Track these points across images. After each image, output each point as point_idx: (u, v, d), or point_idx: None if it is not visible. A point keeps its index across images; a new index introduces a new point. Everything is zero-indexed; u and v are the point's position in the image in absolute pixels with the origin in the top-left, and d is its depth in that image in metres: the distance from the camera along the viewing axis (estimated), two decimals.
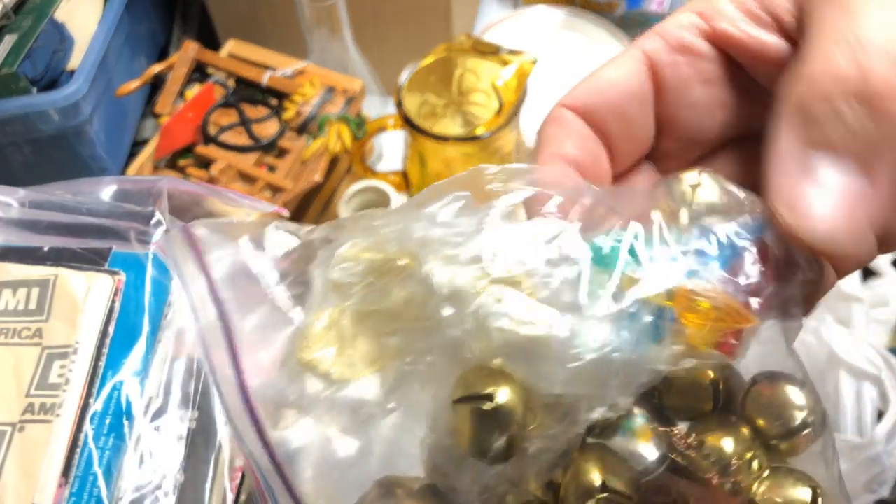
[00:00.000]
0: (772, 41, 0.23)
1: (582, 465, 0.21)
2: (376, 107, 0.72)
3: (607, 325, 0.19)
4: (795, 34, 0.22)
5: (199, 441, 0.33)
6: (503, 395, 0.20)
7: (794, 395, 0.21)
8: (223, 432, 0.34)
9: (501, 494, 0.21)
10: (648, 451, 0.21)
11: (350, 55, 0.69)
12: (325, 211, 0.69)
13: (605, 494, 0.20)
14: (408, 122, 0.59)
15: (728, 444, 0.20)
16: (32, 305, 0.33)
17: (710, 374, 0.21)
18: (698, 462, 0.21)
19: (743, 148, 0.26)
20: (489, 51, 0.61)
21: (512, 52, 0.61)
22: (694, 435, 0.21)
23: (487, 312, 0.20)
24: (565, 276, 0.20)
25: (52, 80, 0.62)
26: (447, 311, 0.20)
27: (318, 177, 0.62)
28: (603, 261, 0.20)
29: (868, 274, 0.61)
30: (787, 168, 0.20)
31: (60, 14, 0.65)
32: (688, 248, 0.20)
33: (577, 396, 0.20)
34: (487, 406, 0.20)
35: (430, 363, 0.21)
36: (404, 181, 0.66)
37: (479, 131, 0.58)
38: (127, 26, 0.70)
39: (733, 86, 0.25)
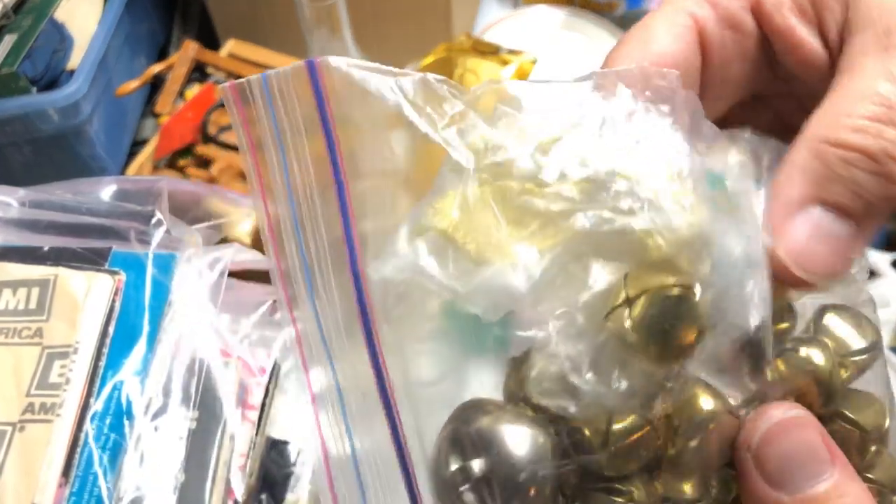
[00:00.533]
0: (808, 41, 0.23)
1: (691, 391, 0.21)
2: None
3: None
4: (834, 45, 0.23)
5: (200, 441, 0.33)
6: (696, 287, 0.20)
7: (859, 319, 0.23)
8: (226, 429, 0.34)
9: (630, 407, 0.20)
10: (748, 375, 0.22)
11: (350, 55, 0.69)
12: None
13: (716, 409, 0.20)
14: None
15: (819, 357, 0.22)
16: (32, 305, 0.33)
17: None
18: (796, 373, 0.22)
19: (753, 109, 0.27)
20: (489, 51, 0.61)
21: (512, 52, 0.61)
22: (787, 349, 0.22)
23: (680, 207, 0.20)
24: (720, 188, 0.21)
25: (52, 79, 0.62)
26: (631, 200, 0.20)
27: None
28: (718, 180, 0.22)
29: (868, 274, 0.61)
30: (788, 211, 0.21)
31: (60, 14, 0.65)
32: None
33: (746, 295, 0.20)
34: (681, 293, 0.19)
35: (593, 251, 0.20)
36: None
37: None
38: (127, 26, 0.70)
39: (763, 61, 0.25)
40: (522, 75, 0.60)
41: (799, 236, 0.21)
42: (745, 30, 0.24)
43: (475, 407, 0.21)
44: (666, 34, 0.24)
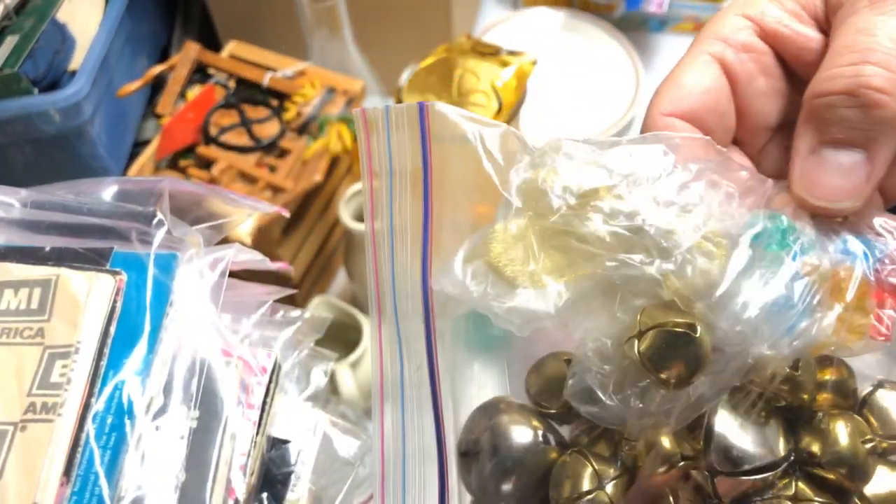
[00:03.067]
0: (813, 36, 0.27)
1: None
2: None
3: (780, 290, 0.23)
4: (825, 25, 0.26)
5: (201, 440, 0.33)
6: (699, 328, 0.22)
7: None
8: (227, 428, 0.34)
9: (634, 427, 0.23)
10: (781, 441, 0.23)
11: (350, 56, 0.69)
12: (325, 211, 0.69)
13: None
14: None
15: (845, 436, 0.23)
16: (34, 305, 0.34)
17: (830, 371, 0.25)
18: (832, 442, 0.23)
19: (787, 133, 0.29)
20: (489, 52, 0.61)
21: (512, 53, 0.61)
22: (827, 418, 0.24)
23: (696, 259, 0.23)
24: (742, 245, 0.23)
25: (54, 80, 0.63)
26: (655, 250, 0.23)
27: (318, 177, 0.62)
28: (758, 237, 0.24)
29: None
30: (807, 163, 0.25)
31: (62, 15, 0.65)
32: (831, 243, 0.24)
33: (746, 341, 0.22)
34: (683, 330, 0.22)
35: (612, 290, 0.23)
36: None
37: None
38: (128, 27, 0.71)
39: (784, 77, 0.28)
40: (522, 76, 0.60)
41: (810, 172, 0.24)
42: (759, 48, 0.28)
43: (494, 402, 0.26)
44: (693, 71, 0.28)
